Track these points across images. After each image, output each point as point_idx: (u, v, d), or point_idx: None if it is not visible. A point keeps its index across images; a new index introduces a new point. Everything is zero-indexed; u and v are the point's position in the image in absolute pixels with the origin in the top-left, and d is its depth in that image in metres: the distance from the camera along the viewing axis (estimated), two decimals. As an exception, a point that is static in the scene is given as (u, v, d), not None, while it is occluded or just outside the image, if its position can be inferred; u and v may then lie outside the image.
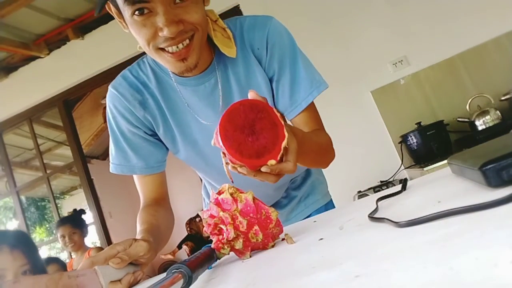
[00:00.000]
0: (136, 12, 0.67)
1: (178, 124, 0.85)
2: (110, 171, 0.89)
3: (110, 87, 0.85)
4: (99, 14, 0.71)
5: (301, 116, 0.85)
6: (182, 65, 0.73)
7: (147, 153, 0.88)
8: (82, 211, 2.76)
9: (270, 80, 0.86)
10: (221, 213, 0.52)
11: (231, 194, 0.52)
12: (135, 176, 0.90)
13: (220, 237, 0.52)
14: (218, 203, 0.53)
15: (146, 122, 0.86)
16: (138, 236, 0.71)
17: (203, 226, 0.55)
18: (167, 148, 0.91)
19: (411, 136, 2.18)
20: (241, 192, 0.53)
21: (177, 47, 0.70)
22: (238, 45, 0.81)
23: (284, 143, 0.52)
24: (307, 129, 0.85)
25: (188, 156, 0.89)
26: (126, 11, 0.68)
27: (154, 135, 0.88)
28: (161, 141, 0.89)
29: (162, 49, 0.71)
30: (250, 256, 0.52)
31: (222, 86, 0.83)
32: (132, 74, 0.85)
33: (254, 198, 0.52)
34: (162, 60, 0.74)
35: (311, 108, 0.86)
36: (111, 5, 0.73)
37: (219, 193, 0.54)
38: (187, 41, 0.70)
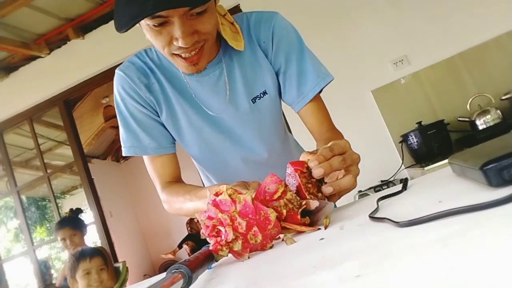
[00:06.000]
0: (153, 23, 0.68)
1: (184, 111, 0.86)
2: (123, 154, 0.89)
3: (117, 71, 0.87)
4: (123, 31, 0.67)
5: (308, 107, 0.86)
6: (194, 68, 0.77)
7: (158, 133, 0.88)
8: (79, 210, 2.71)
9: (277, 73, 0.87)
10: (220, 215, 0.51)
11: (230, 195, 0.52)
12: (148, 160, 0.90)
13: (218, 239, 0.51)
14: (216, 205, 0.52)
15: (151, 104, 0.87)
16: (202, 191, 0.76)
17: (203, 226, 0.54)
18: None
19: (411, 136, 2.18)
20: (240, 193, 0.52)
21: (190, 53, 0.73)
22: (246, 39, 0.84)
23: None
24: (315, 120, 0.87)
25: (193, 141, 0.89)
26: (143, 20, 0.67)
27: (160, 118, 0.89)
28: None
29: (176, 54, 0.74)
30: (249, 257, 0.51)
31: (227, 78, 0.85)
32: (140, 59, 0.88)
33: (252, 199, 0.52)
34: (175, 62, 0.77)
35: (318, 100, 0.88)
36: None
37: (217, 194, 0.53)
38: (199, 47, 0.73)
